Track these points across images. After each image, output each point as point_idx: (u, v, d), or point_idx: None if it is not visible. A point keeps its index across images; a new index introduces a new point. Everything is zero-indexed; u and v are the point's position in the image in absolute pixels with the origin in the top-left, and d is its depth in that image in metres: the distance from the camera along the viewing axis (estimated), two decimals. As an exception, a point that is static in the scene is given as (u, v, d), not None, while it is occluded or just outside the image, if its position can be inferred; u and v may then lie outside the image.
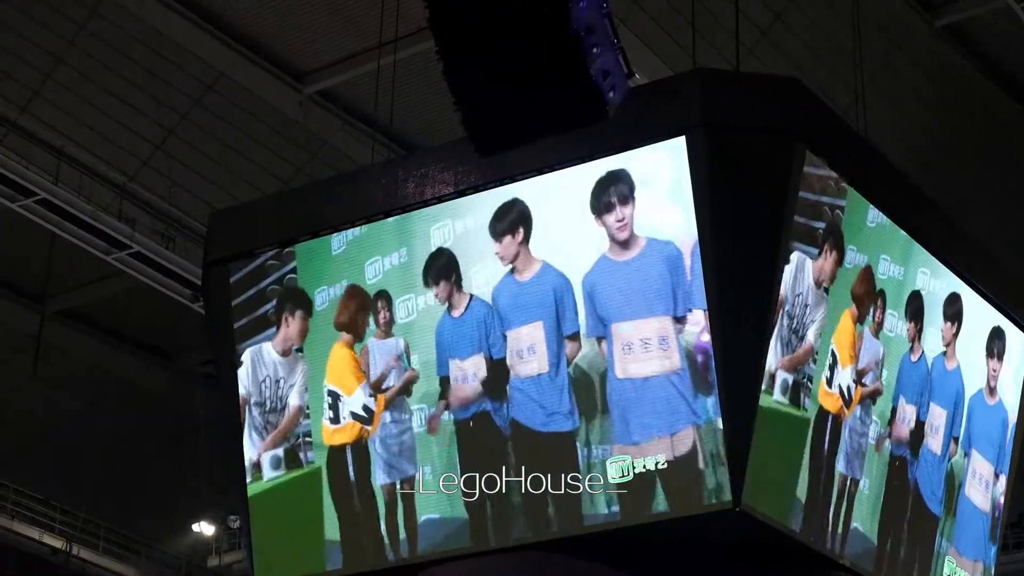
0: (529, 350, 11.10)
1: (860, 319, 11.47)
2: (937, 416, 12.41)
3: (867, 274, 11.49)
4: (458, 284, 11.40)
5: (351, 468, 11.75)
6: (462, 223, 11.37)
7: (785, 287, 10.66)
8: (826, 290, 11.07)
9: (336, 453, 11.84)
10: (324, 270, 11.94)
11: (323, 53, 22.69)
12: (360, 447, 11.73)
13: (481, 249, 11.31)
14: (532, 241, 11.15)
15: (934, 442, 12.38)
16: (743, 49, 20.27)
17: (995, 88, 23.75)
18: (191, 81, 22.80)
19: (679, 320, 10.58)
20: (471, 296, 11.35)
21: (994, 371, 12.98)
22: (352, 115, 23.24)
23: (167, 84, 22.68)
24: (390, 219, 11.68)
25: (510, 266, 11.22)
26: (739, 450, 10.29)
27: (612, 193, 10.87)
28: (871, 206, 11.47)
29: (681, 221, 10.58)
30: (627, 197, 10.83)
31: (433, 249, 11.47)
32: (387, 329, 11.70)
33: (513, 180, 11.14)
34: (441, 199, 11.45)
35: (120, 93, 22.80)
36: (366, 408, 11.75)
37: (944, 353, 12.43)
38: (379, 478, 11.62)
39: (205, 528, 29.91)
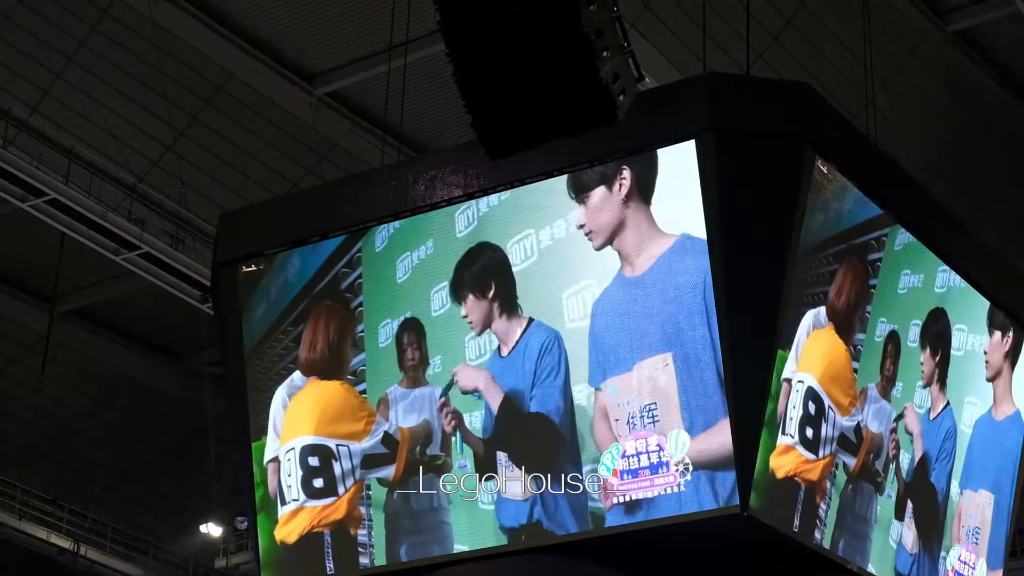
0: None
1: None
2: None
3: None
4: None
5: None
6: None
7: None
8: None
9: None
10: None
11: (334, 55, 22.71)
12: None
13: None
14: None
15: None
16: (753, 54, 20.28)
17: (1006, 93, 23.72)
18: (202, 82, 22.83)
19: None
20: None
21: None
22: (362, 117, 23.25)
23: (178, 85, 22.70)
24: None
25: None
26: (746, 455, 10.27)
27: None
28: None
29: None
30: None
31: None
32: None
33: (523, 183, 11.13)
34: (451, 201, 11.43)
35: (131, 94, 22.82)
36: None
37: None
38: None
39: (212, 529, 29.92)
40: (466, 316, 11.15)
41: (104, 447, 28.82)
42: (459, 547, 11.14)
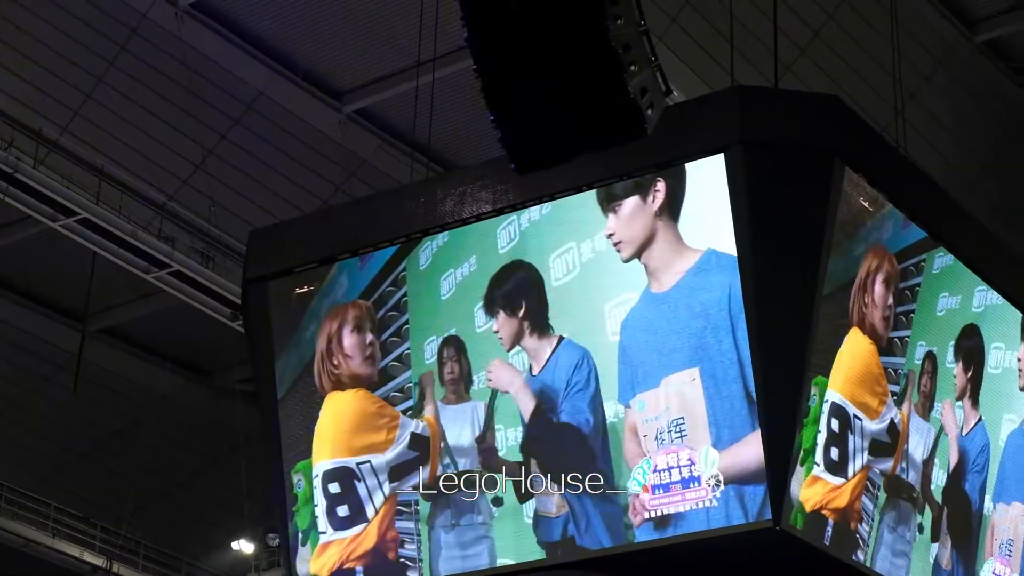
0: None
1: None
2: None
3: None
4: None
5: None
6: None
7: None
8: None
9: None
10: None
11: (362, 72, 22.74)
12: None
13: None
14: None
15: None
16: (781, 66, 20.23)
17: (1036, 104, 23.64)
18: (230, 100, 22.88)
19: None
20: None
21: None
22: (390, 134, 23.28)
23: (206, 104, 22.76)
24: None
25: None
26: (779, 469, 10.24)
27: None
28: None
29: None
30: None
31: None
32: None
33: (552, 199, 11.12)
34: (479, 217, 11.44)
35: (160, 113, 22.90)
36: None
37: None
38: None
39: (244, 546, 29.94)
40: (497, 332, 11.17)
41: (136, 465, 28.88)
42: (503, 561, 11.14)
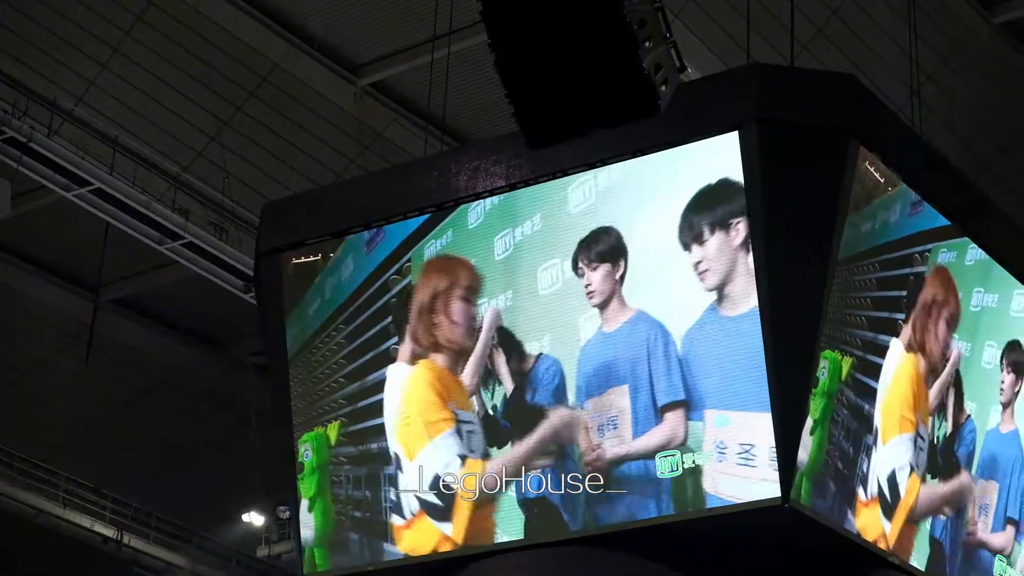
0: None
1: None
2: (989, 491, 12.02)
3: None
4: None
5: None
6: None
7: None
8: None
9: None
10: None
11: (378, 45, 22.74)
12: None
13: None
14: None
15: (983, 527, 12.03)
16: (798, 45, 20.19)
17: (1054, 86, 23.58)
18: (246, 72, 22.89)
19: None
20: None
21: None
22: (406, 107, 23.27)
23: (222, 75, 22.76)
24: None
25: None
26: (788, 445, 10.23)
27: (695, 223, 10.59)
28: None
29: None
30: (708, 230, 10.61)
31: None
32: None
33: (565, 174, 11.09)
34: (493, 192, 11.42)
35: (175, 84, 22.91)
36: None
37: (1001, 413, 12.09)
38: None
39: (255, 518, 30.01)
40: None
41: (147, 436, 28.96)
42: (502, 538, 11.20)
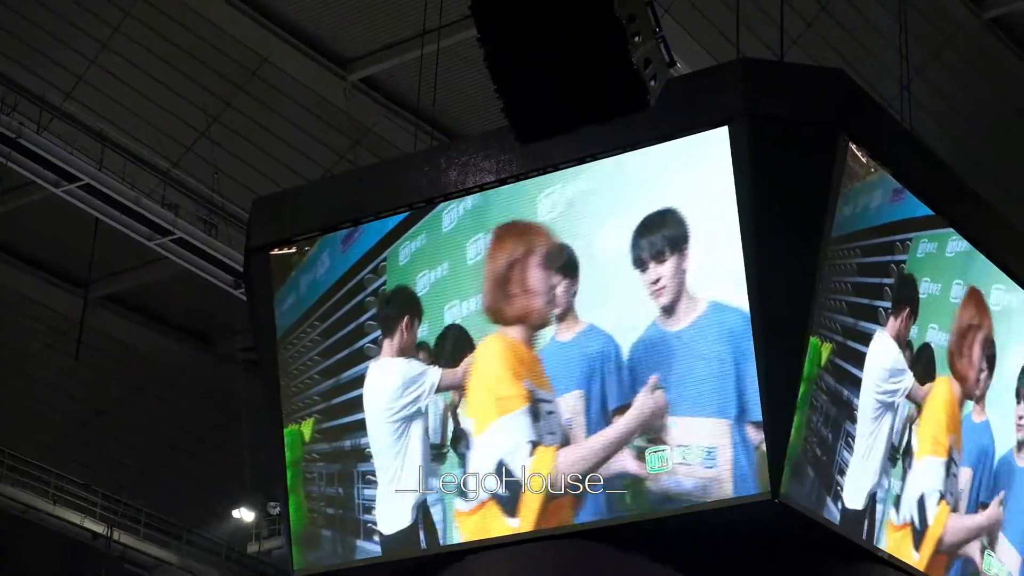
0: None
1: None
2: (962, 478, 12.11)
3: None
4: None
5: None
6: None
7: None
8: None
9: None
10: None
11: (367, 40, 22.69)
12: None
13: None
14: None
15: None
16: (787, 39, 20.19)
17: (1044, 82, 23.58)
18: (235, 68, 22.85)
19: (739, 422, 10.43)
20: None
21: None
22: (395, 103, 23.24)
23: (211, 71, 22.73)
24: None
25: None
26: (777, 441, 10.24)
27: (647, 246, 10.73)
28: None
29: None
30: (664, 252, 10.72)
31: None
32: None
33: (556, 169, 11.10)
34: (483, 187, 11.42)
35: (164, 79, 22.87)
36: None
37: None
38: None
39: (245, 514, 30.01)
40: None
41: (137, 432, 28.94)
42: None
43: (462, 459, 11.26)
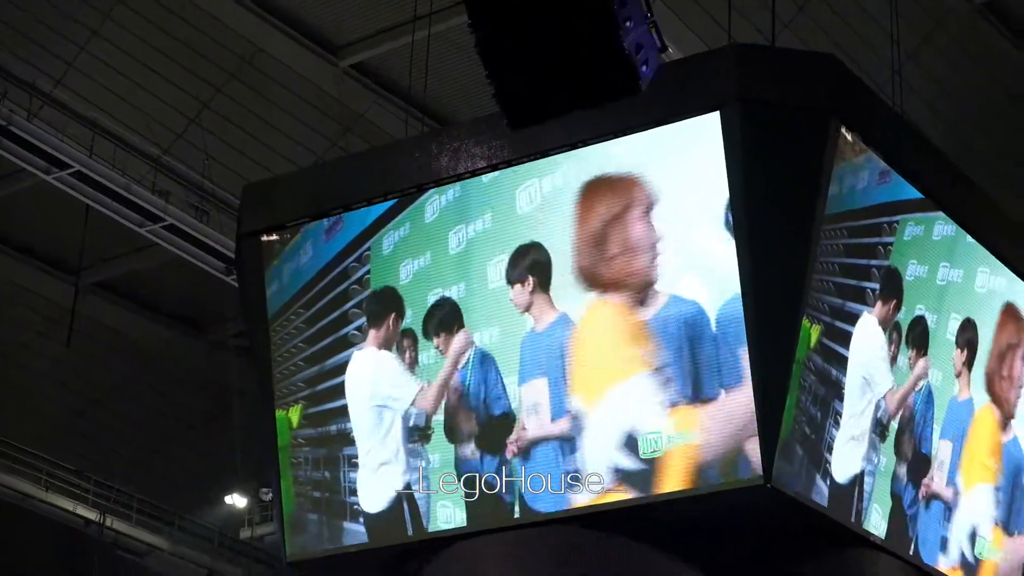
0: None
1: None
2: (943, 450, 12.20)
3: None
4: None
5: None
6: None
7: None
8: None
9: None
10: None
11: (359, 26, 22.65)
12: None
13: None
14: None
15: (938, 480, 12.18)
16: (779, 24, 20.17)
17: (1035, 66, 23.58)
18: (226, 54, 22.80)
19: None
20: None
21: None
22: (387, 89, 23.19)
23: (202, 57, 22.68)
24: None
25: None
26: (770, 427, 10.25)
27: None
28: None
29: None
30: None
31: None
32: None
33: (546, 155, 11.10)
34: (475, 173, 11.43)
35: (155, 66, 22.81)
36: None
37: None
38: None
39: (237, 500, 30.01)
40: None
41: (129, 419, 28.91)
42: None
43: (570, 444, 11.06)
